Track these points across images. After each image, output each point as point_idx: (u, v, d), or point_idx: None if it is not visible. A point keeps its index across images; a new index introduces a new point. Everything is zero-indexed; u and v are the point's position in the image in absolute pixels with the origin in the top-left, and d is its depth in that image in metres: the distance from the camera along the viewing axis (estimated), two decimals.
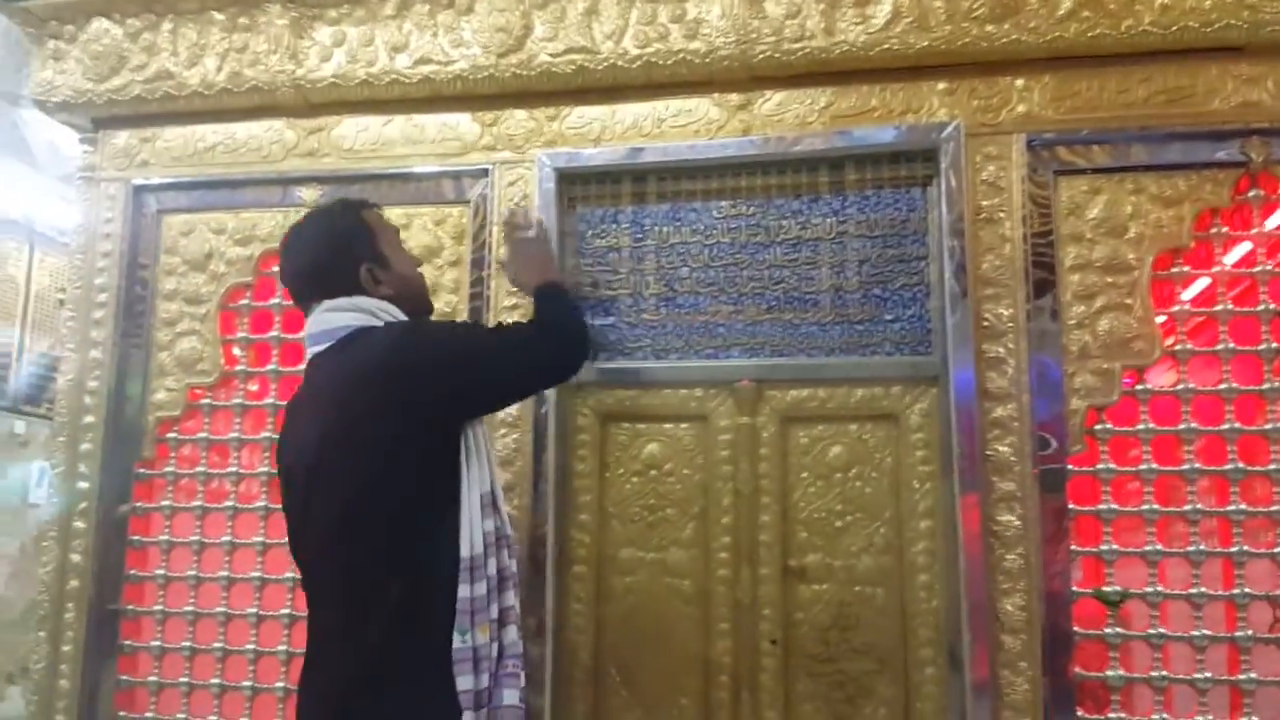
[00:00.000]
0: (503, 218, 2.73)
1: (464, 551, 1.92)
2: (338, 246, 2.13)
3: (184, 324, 3.05)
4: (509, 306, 2.82)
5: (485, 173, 2.90)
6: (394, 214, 2.92)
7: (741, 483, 2.68)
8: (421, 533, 1.93)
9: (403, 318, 2.13)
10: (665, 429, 2.79)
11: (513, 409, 2.74)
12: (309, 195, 3.00)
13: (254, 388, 3.05)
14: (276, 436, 2.25)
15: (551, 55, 2.83)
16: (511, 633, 2.02)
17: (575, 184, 2.90)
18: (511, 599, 2.05)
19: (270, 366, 3.02)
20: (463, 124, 2.94)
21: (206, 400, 3.03)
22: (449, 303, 2.89)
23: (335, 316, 2.07)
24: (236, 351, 3.04)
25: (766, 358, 2.76)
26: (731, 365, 2.77)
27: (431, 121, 2.96)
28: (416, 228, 2.94)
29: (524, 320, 2.36)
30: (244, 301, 3.06)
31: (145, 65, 3.07)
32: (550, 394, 2.74)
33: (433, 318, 2.45)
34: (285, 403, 2.90)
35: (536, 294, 2.39)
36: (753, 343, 2.78)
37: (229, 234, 3.05)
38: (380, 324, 2.07)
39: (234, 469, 3.00)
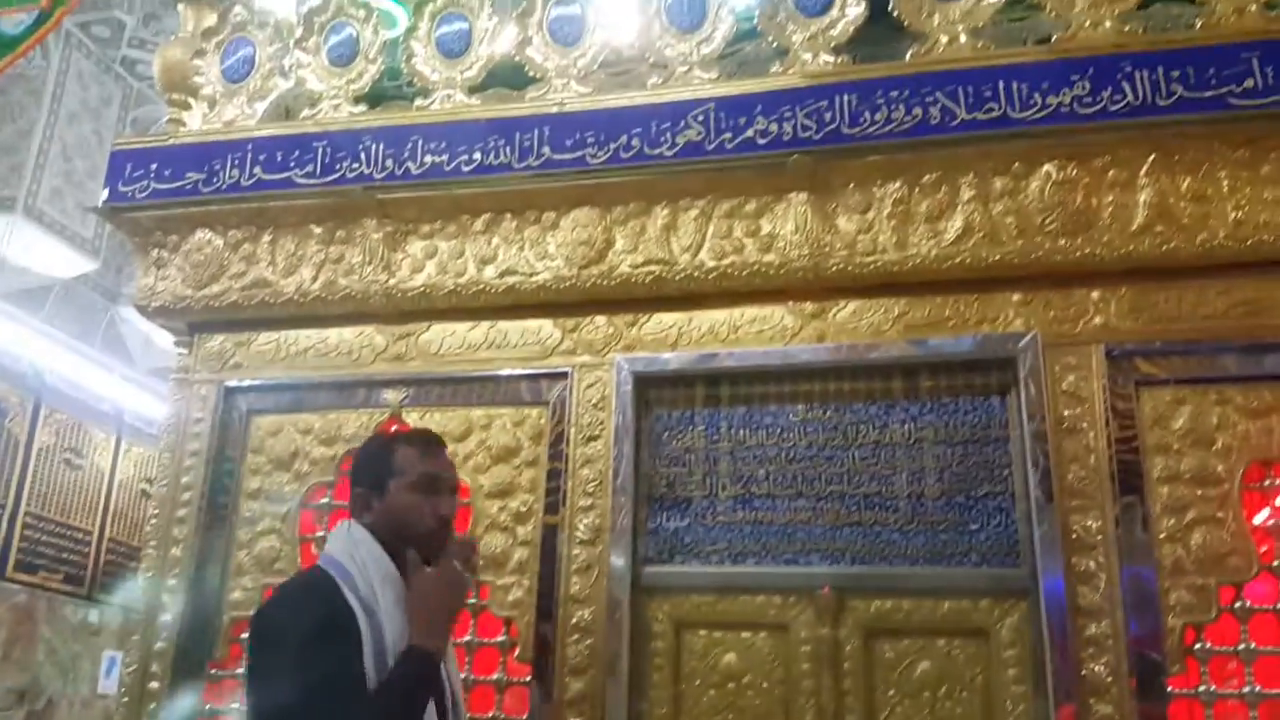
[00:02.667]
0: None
1: None
2: (356, 467, 2.26)
3: (265, 523, 3.09)
4: (584, 507, 2.83)
5: (565, 375, 2.97)
6: (474, 415, 3.02)
7: (824, 699, 2.59)
8: None
9: (369, 554, 2.05)
10: (743, 638, 2.72)
11: (586, 613, 2.72)
12: (394, 397, 3.09)
13: None
14: None
15: (631, 266, 2.94)
16: None
17: (652, 387, 2.95)
18: None
19: None
20: (545, 329, 3.04)
21: None
22: (525, 501, 2.91)
23: (328, 542, 2.16)
24: (314, 550, 3.06)
25: (848, 565, 2.71)
26: (811, 571, 2.72)
27: (515, 327, 3.06)
28: (496, 429, 3.00)
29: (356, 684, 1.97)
30: (324, 500, 3.10)
31: (244, 273, 3.23)
32: (624, 599, 2.71)
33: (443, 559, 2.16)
34: None
35: (403, 654, 1.98)
36: (833, 548, 2.74)
37: (315, 434, 3.13)
38: (316, 566, 2.06)
39: None
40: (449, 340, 3.10)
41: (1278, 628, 2.44)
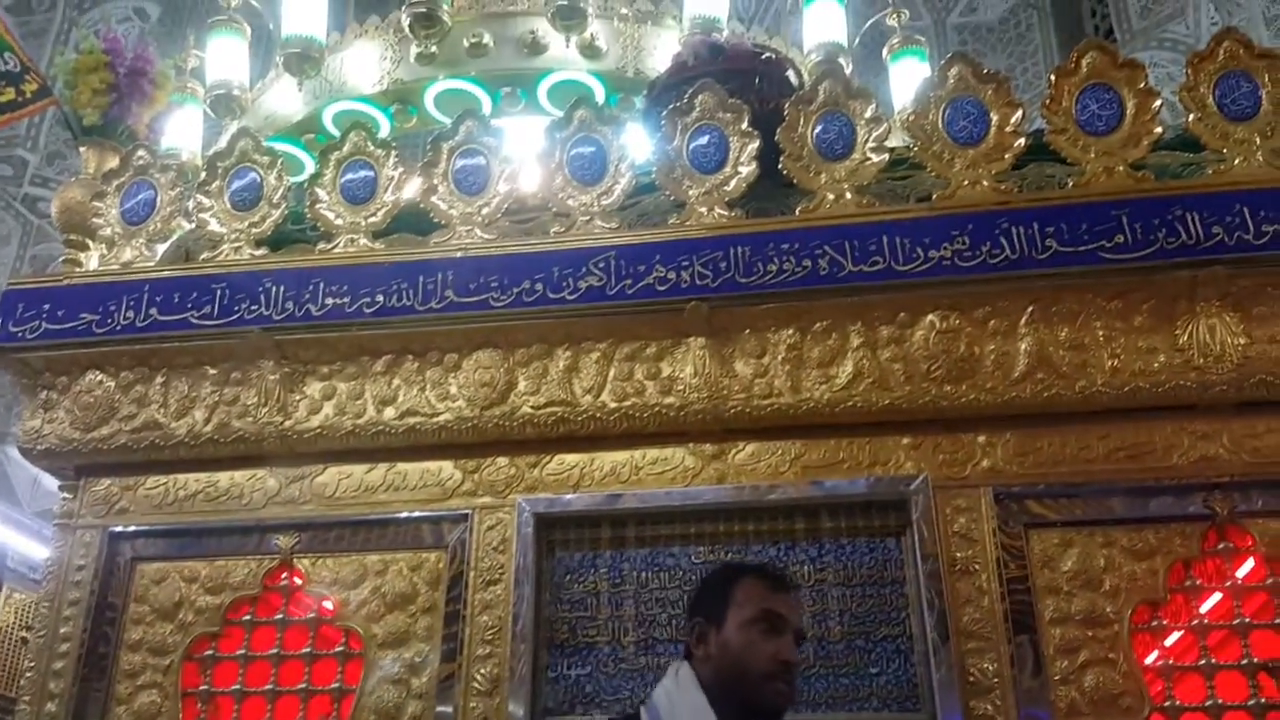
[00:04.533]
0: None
1: None
2: (696, 595, 2.18)
3: (146, 676, 2.94)
4: (483, 655, 2.76)
5: (465, 517, 2.93)
6: (369, 560, 2.95)
7: None
8: None
9: (686, 702, 1.99)
10: None
11: None
12: (285, 542, 3.00)
13: None
14: None
15: (533, 408, 2.94)
16: None
17: (555, 528, 2.93)
18: None
19: None
20: (445, 470, 3.01)
21: None
22: (420, 651, 2.83)
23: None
24: (198, 706, 2.92)
25: None
26: None
27: (414, 469, 3.02)
28: (392, 574, 2.93)
29: None
30: (209, 652, 2.97)
31: (134, 416, 3.14)
32: None
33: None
34: None
35: None
36: None
37: (200, 582, 3.01)
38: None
39: None
40: (345, 483, 3.05)
41: None
